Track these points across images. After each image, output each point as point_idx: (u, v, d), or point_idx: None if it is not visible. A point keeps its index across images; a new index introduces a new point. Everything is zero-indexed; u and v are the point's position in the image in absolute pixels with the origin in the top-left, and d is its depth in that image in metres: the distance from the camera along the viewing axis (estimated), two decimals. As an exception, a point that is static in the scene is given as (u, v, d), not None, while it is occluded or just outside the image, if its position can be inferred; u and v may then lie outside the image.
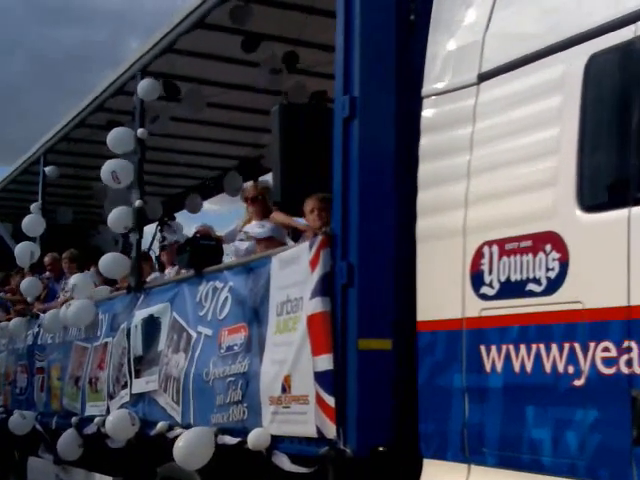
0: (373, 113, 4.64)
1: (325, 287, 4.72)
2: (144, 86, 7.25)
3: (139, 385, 6.99)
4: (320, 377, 4.68)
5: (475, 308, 3.97)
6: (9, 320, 10.50)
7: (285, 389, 4.98)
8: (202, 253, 6.42)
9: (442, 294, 4.18)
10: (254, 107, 8.62)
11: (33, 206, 9.96)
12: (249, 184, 8.42)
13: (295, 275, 5.02)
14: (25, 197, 10.84)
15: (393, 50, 4.66)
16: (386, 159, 4.62)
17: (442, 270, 4.18)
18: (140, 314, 7.17)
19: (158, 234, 11.48)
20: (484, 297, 3.93)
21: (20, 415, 9.44)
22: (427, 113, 4.34)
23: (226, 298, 5.87)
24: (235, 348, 5.61)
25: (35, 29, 43.14)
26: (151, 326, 6.93)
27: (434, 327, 4.21)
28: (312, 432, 4.75)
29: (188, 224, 11.43)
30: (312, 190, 5.44)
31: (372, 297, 4.59)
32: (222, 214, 13.79)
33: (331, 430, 4.60)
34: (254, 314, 5.47)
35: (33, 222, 9.66)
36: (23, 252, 9.45)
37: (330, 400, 4.61)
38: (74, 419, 8.28)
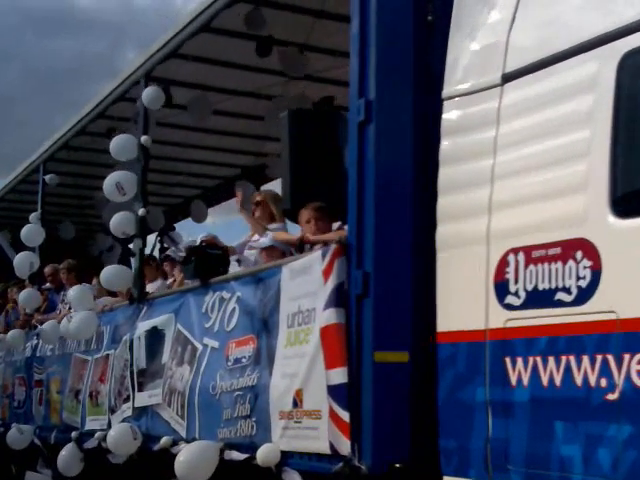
0: (389, 117, 4.49)
1: (339, 298, 4.58)
2: (149, 93, 7.09)
3: (142, 398, 6.84)
4: (334, 391, 4.53)
5: (499, 318, 3.81)
6: (7, 332, 10.34)
7: (296, 403, 4.83)
8: (208, 262, 6.27)
9: (464, 304, 4.03)
10: (258, 114, 8.49)
11: (32, 216, 9.80)
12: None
13: (307, 285, 4.87)
14: (24, 207, 10.70)
15: (410, 52, 4.52)
16: (403, 164, 4.47)
17: (464, 279, 4.02)
18: (143, 325, 7.03)
19: (157, 244, 11.36)
20: (509, 307, 3.78)
21: (18, 429, 9.27)
22: (448, 116, 4.18)
23: (234, 309, 5.72)
24: (243, 361, 5.46)
25: (32, 40, 43.21)
26: (154, 338, 6.79)
27: (455, 338, 4.05)
28: (325, 448, 4.60)
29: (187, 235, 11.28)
30: (322, 197, 5.34)
31: (388, 308, 4.43)
32: (219, 226, 13.64)
33: (345, 446, 4.46)
34: (263, 325, 5.33)
35: (32, 232, 9.49)
36: (22, 262, 9.27)
37: (344, 415, 4.46)
38: (74, 433, 8.11)
